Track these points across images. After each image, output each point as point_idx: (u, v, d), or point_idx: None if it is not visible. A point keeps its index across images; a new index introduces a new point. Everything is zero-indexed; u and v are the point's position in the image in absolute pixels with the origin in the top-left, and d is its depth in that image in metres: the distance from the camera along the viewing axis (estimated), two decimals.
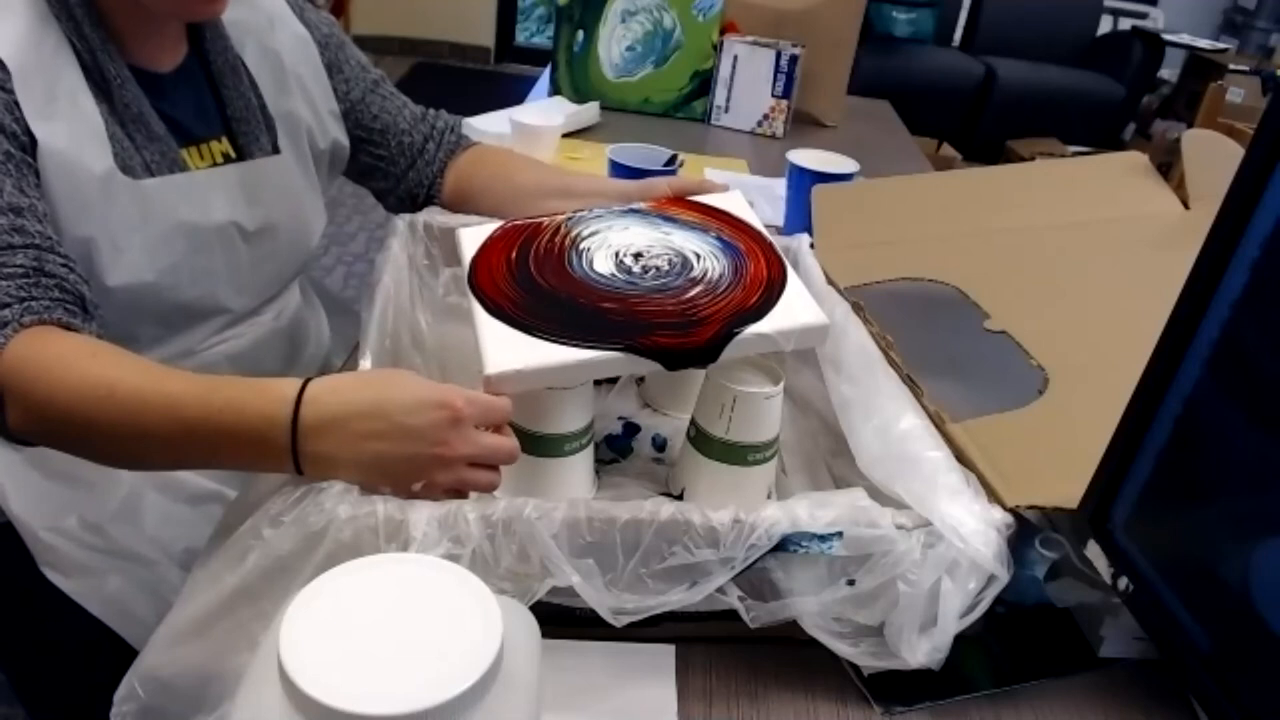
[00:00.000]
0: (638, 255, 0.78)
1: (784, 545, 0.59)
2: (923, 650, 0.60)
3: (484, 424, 0.62)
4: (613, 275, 0.76)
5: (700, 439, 0.75)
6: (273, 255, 0.91)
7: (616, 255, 0.78)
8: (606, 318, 0.71)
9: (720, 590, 0.59)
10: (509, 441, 0.63)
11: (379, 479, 0.60)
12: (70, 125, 0.73)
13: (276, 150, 0.90)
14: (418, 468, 0.60)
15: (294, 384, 0.60)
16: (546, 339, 0.69)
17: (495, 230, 0.82)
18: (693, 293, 0.74)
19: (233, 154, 0.86)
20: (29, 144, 0.70)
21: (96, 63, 0.75)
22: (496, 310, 0.72)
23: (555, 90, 1.84)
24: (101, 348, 0.66)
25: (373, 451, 0.59)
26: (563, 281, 0.75)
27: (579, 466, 0.74)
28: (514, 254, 0.79)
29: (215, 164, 0.85)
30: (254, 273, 0.89)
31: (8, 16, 0.71)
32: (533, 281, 0.75)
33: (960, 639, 0.60)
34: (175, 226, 0.80)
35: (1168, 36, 4.36)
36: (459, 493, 0.62)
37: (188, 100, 0.83)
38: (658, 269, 0.76)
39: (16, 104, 0.70)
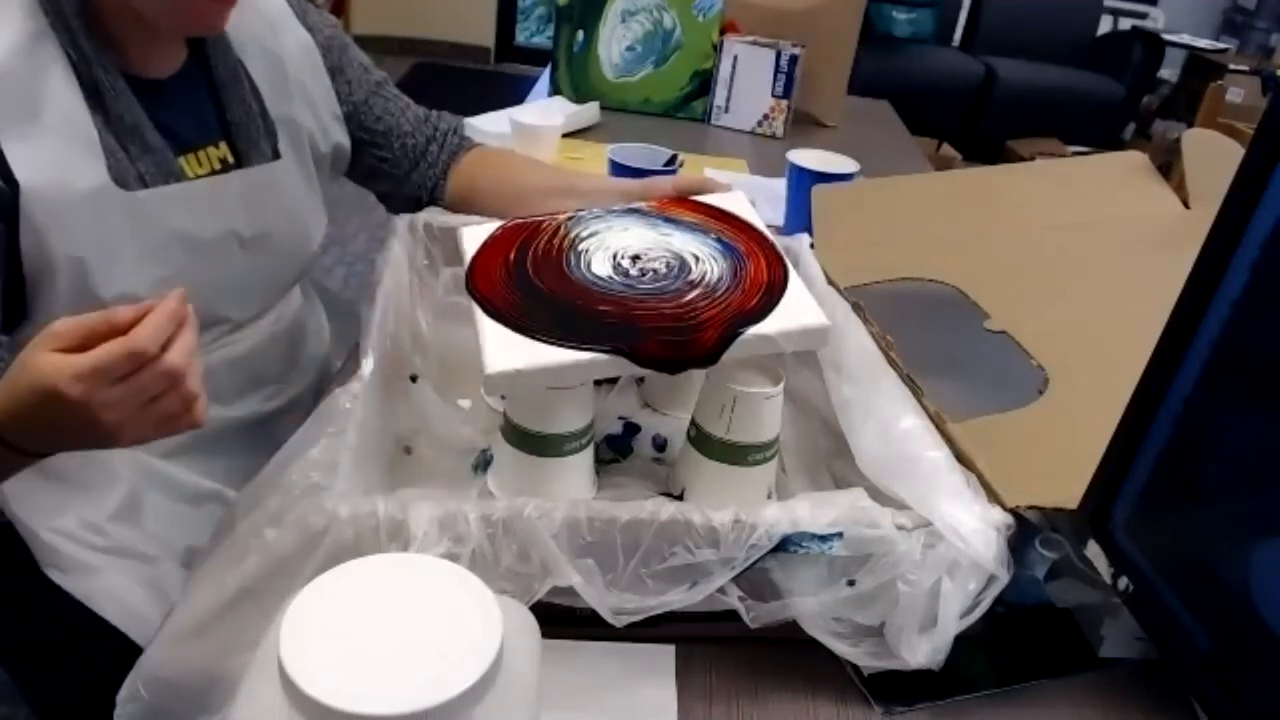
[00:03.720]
0: (635, 258, 0.78)
1: (784, 545, 0.59)
2: (923, 650, 0.60)
3: (107, 370, 0.58)
4: (610, 278, 0.75)
5: (700, 439, 0.75)
6: (271, 262, 0.90)
7: (614, 257, 0.78)
8: (603, 321, 0.71)
9: (720, 590, 0.59)
10: (115, 352, 0.58)
11: (106, 441, 0.61)
12: (60, 140, 0.72)
13: (277, 155, 0.89)
14: (109, 433, 0.60)
15: None
16: (543, 341, 0.69)
17: (496, 230, 0.82)
18: (691, 296, 0.74)
19: (231, 160, 0.86)
20: None
21: (91, 74, 0.74)
22: (493, 312, 0.72)
23: (555, 90, 1.84)
24: None
25: (70, 435, 0.61)
26: (560, 284, 0.75)
27: (579, 466, 0.74)
28: (512, 255, 0.78)
29: (214, 170, 0.84)
30: (252, 280, 0.89)
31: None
32: (530, 284, 0.75)
33: (960, 639, 0.60)
34: (171, 237, 0.79)
35: (1168, 36, 4.36)
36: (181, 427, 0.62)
37: (186, 106, 0.83)
38: (655, 272, 0.76)
39: None
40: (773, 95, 1.79)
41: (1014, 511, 0.63)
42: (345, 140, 0.99)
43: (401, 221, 0.94)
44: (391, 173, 1.04)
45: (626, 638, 0.62)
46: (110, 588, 0.81)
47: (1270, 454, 0.52)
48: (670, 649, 0.66)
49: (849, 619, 0.62)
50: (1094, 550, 0.64)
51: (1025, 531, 0.66)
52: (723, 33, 1.78)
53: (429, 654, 0.41)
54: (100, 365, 0.57)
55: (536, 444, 0.72)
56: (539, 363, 0.68)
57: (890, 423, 0.69)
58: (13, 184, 0.70)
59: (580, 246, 0.79)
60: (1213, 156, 1.03)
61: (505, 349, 0.69)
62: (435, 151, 1.04)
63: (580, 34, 1.79)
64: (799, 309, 0.73)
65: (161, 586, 0.83)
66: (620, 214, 0.84)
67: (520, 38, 5.23)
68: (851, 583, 0.61)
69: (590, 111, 1.73)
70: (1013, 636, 0.69)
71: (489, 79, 4.87)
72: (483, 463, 0.80)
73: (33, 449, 0.64)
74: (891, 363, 0.77)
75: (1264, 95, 3.69)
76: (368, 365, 0.72)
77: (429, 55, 4.98)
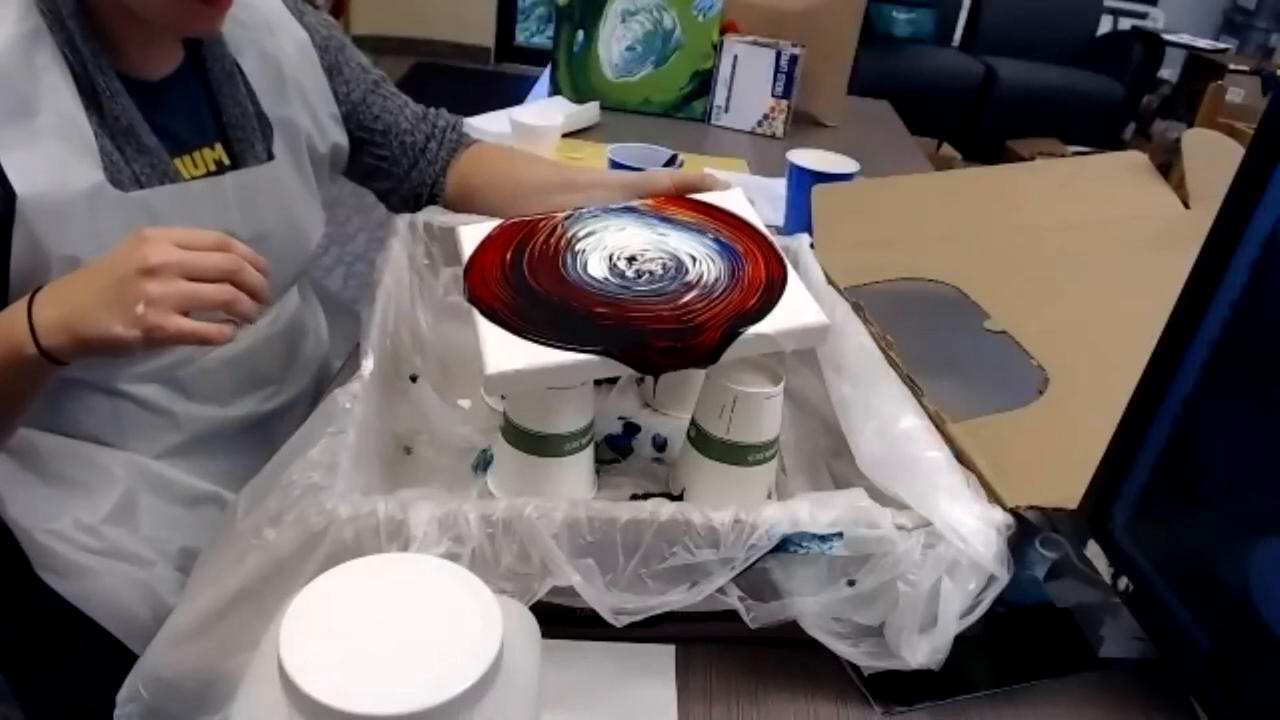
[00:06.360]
0: (632, 259, 0.78)
1: (784, 545, 0.59)
2: (923, 650, 0.60)
3: (185, 244, 0.65)
4: (605, 280, 0.75)
5: (700, 439, 0.75)
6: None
7: (610, 258, 0.78)
8: (599, 323, 0.71)
9: (720, 590, 0.59)
10: (207, 236, 0.66)
11: (103, 314, 0.63)
12: (56, 142, 0.72)
13: (272, 156, 0.89)
14: (125, 284, 0.63)
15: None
16: (538, 342, 0.69)
17: (493, 229, 0.82)
18: (688, 297, 0.73)
19: (227, 161, 0.86)
20: None
21: (88, 75, 0.74)
22: (489, 312, 0.72)
23: (555, 90, 1.84)
24: None
25: (88, 291, 0.65)
26: (556, 285, 0.74)
27: (579, 466, 0.74)
28: (509, 255, 0.78)
29: (209, 172, 0.84)
30: None
31: None
32: (526, 284, 0.75)
33: (960, 639, 0.60)
34: None
35: (1168, 36, 4.37)
36: (199, 333, 0.65)
37: (182, 107, 0.83)
38: (651, 273, 0.76)
39: None
40: (773, 95, 1.79)
41: (1014, 511, 0.63)
42: (343, 140, 0.99)
43: (401, 221, 0.94)
44: (391, 171, 1.03)
45: (626, 638, 0.62)
46: (104, 590, 0.81)
47: (1270, 454, 0.52)
48: (670, 649, 0.66)
49: (849, 619, 0.62)
50: (1094, 550, 0.64)
51: (1025, 531, 0.66)
52: (723, 33, 1.78)
53: (429, 654, 0.41)
54: (183, 233, 0.66)
55: (536, 444, 0.72)
56: (539, 363, 0.68)
57: (890, 423, 0.69)
58: (9, 192, 0.70)
59: (577, 247, 0.79)
60: (1213, 156, 1.03)
61: (505, 349, 0.68)
62: (434, 149, 1.04)
63: (580, 34, 1.79)
64: (798, 307, 0.73)
65: (156, 590, 0.82)
66: (617, 213, 0.84)
67: (520, 38, 5.23)
68: (851, 583, 0.61)
69: (590, 111, 1.73)
70: (1013, 636, 0.69)
71: (489, 79, 4.87)
72: (483, 463, 0.80)
73: (51, 318, 0.65)
74: (891, 363, 0.77)
75: (1264, 95, 3.69)
76: (368, 365, 0.72)
77: (429, 55, 4.99)
